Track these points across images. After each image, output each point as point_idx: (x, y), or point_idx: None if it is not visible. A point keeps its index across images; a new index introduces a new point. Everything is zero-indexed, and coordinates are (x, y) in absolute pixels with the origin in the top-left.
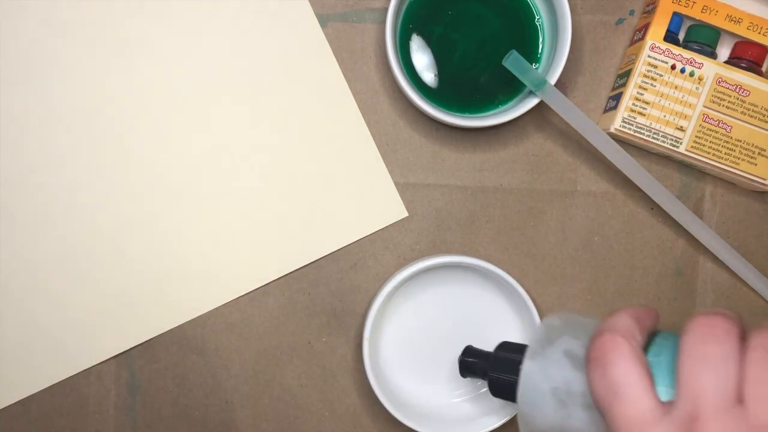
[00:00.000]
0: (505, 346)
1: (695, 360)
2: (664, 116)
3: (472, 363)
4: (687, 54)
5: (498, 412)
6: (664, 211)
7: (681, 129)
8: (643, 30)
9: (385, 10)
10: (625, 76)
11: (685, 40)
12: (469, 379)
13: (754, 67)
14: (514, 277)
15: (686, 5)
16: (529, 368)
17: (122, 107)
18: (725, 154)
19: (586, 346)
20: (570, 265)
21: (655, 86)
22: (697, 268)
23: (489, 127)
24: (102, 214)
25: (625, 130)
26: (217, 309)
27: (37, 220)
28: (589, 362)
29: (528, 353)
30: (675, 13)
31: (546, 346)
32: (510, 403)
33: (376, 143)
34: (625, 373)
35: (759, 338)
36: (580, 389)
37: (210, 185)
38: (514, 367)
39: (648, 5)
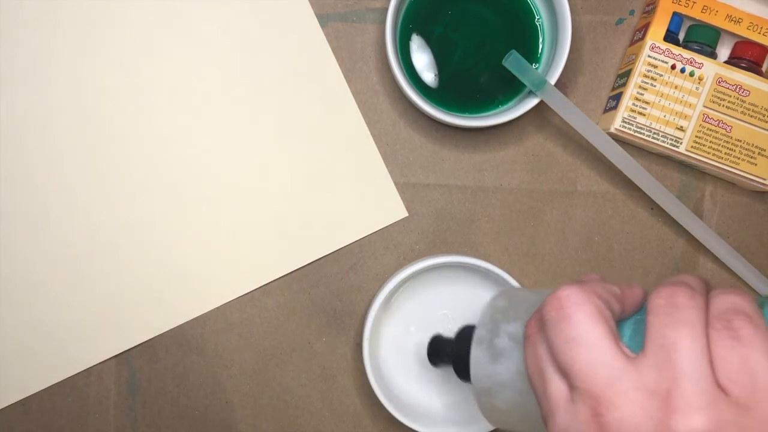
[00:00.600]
0: (464, 331)
1: (664, 315)
2: (664, 116)
3: (438, 351)
4: (687, 54)
5: None
6: (664, 211)
7: (681, 129)
8: (643, 30)
9: (385, 10)
10: (625, 76)
11: (685, 40)
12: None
13: (754, 67)
14: (514, 277)
15: (686, 5)
16: (475, 355)
17: (122, 107)
18: (725, 154)
19: (519, 335)
20: (570, 265)
21: (655, 86)
22: (697, 268)
23: (489, 127)
24: (102, 214)
25: (625, 130)
26: (217, 309)
27: (37, 220)
28: (546, 323)
29: (474, 339)
30: (675, 13)
31: (492, 329)
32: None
33: (376, 143)
34: (585, 322)
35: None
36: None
37: (210, 185)
38: (468, 353)
39: (648, 5)
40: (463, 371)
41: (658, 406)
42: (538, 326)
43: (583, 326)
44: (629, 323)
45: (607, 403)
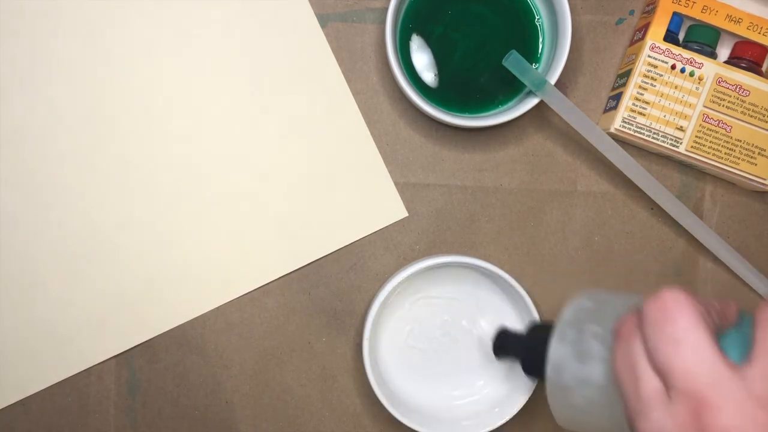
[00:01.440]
0: (537, 328)
1: None
2: (664, 116)
3: (506, 345)
4: (687, 54)
5: (497, 413)
6: (664, 211)
7: (681, 129)
8: (643, 30)
9: (385, 10)
10: (625, 76)
11: (685, 40)
12: (469, 378)
13: (754, 67)
14: (514, 277)
15: (686, 5)
16: (559, 352)
17: (122, 107)
18: (725, 154)
19: (603, 334)
20: (570, 265)
21: (655, 86)
22: (697, 268)
23: (489, 127)
24: (102, 214)
25: (625, 130)
26: (217, 309)
27: (37, 220)
28: (647, 322)
29: (556, 335)
30: (675, 13)
31: (577, 328)
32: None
33: (376, 143)
34: (689, 324)
35: None
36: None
37: (210, 185)
38: (545, 348)
39: (648, 5)
40: (534, 367)
41: (766, 416)
42: (635, 325)
43: (687, 327)
44: (727, 336)
45: (711, 406)
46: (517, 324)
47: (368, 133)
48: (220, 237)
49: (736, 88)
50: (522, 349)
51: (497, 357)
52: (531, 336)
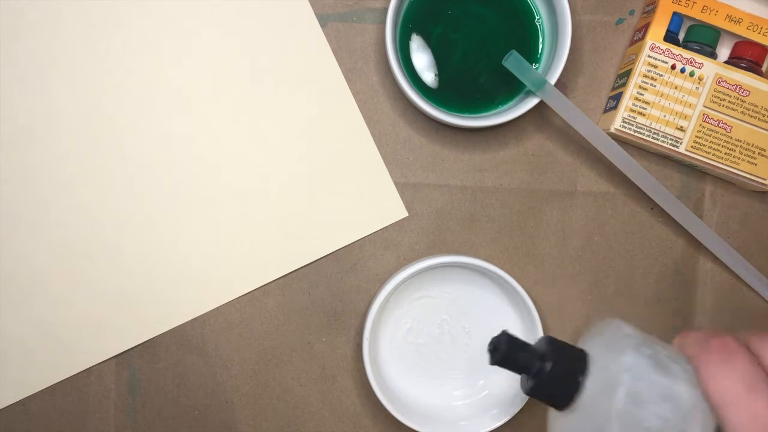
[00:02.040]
0: (555, 344)
1: None
2: (664, 116)
3: (512, 355)
4: (687, 54)
5: (497, 413)
6: (664, 211)
7: (681, 129)
8: (643, 30)
9: (385, 10)
10: (625, 76)
11: (685, 40)
12: (469, 378)
13: (754, 67)
14: (514, 277)
15: (686, 5)
16: (634, 360)
17: (122, 107)
18: (725, 154)
19: (672, 356)
20: (570, 265)
21: (655, 86)
22: (697, 268)
23: (489, 127)
24: (102, 214)
25: (625, 130)
26: (217, 309)
27: (38, 220)
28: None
29: (633, 344)
30: (675, 13)
31: (643, 342)
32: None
33: (376, 143)
34: None
35: None
36: (668, 393)
37: (210, 185)
38: (574, 374)
39: (648, 5)
40: (554, 391)
41: None
42: (736, 345)
43: None
44: None
45: None
46: (516, 325)
47: (368, 133)
48: (220, 237)
49: (736, 88)
50: (549, 371)
51: (494, 363)
52: (558, 356)
